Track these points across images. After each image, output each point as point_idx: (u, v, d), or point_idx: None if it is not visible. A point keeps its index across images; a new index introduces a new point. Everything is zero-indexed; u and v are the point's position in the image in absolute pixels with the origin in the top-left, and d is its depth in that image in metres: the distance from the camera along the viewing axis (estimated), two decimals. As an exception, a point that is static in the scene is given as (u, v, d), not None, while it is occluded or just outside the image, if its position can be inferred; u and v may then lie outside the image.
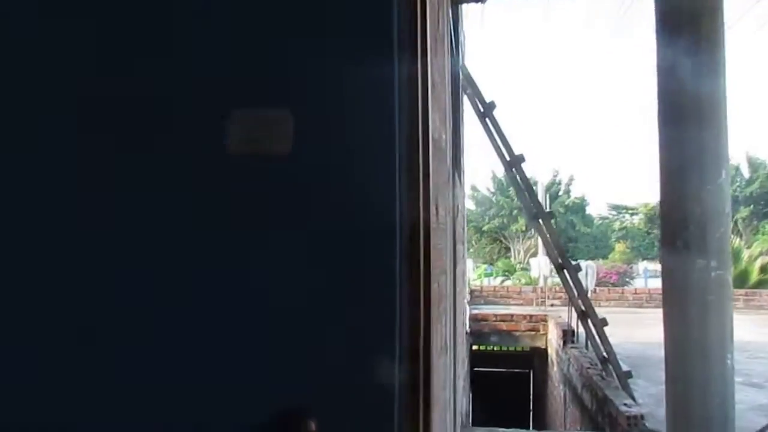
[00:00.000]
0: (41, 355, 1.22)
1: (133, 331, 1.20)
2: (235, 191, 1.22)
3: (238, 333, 1.20)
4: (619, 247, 33.88)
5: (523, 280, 21.45)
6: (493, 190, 34.48)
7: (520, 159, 7.27)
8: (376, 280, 1.20)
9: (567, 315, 9.51)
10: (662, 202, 4.56)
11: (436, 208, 2.08)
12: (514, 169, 7.30)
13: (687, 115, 4.35)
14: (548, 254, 8.01)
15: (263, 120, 1.24)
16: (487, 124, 7.45)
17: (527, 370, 13.38)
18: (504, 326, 12.33)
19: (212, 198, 1.22)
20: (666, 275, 4.55)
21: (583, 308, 7.16)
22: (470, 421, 10.07)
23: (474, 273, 26.63)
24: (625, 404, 5.91)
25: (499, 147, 7.43)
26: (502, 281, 23.07)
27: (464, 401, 7.04)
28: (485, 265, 30.64)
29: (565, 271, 7.27)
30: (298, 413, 1.14)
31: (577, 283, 7.20)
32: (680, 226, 4.36)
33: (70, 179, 1.24)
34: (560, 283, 8.94)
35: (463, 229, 7.78)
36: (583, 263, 9.02)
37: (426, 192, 1.36)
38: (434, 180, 2.12)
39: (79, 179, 1.24)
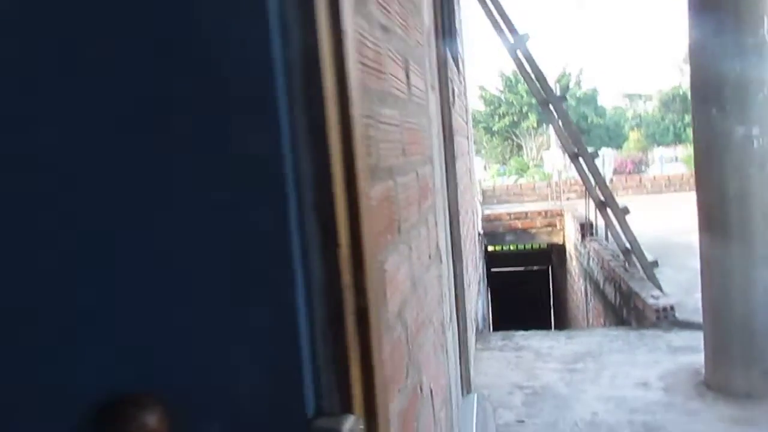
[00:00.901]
0: None
1: None
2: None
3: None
4: (634, 135, 33.10)
5: (537, 177, 20.97)
6: (501, 88, 33.43)
7: (525, 38, 6.52)
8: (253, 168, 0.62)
9: (584, 207, 9.00)
10: (692, 60, 3.89)
11: (406, 74, 1.52)
12: (518, 51, 6.56)
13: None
14: (561, 143, 7.39)
15: None
16: (486, 3, 6.67)
17: (546, 267, 13.07)
18: (519, 224, 11.94)
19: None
20: (699, 149, 3.93)
21: (602, 198, 6.61)
22: (489, 324, 9.80)
23: (487, 173, 26.14)
24: (652, 296, 5.47)
25: (500, 28, 6.67)
26: (516, 179, 22.62)
27: (480, 305, 6.63)
28: (498, 165, 30.11)
29: (581, 159, 6.66)
30: (131, 400, 0.62)
31: (595, 171, 6.61)
32: (713, 88, 3.72)
33: None
34: (575, 176, 8.39)
35: (467, 122, 7.15)
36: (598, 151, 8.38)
37: None
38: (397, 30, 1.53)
39: None
